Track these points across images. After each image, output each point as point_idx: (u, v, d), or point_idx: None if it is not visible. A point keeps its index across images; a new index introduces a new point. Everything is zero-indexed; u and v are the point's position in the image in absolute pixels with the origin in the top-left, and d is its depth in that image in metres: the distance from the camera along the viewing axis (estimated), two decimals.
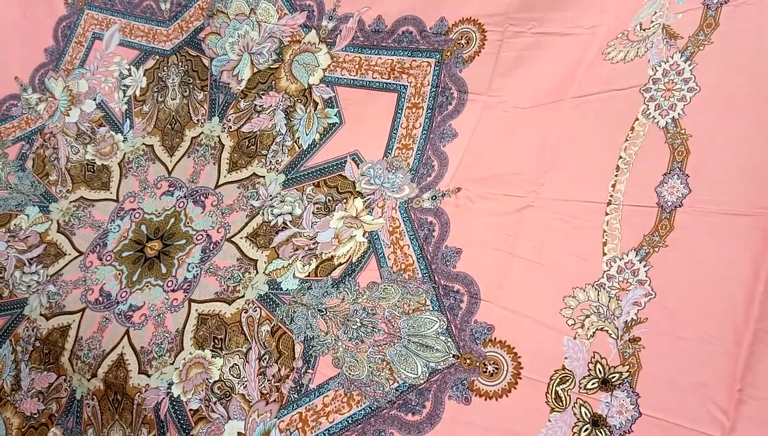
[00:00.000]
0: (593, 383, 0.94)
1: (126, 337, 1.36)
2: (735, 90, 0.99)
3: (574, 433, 0.92)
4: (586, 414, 0.93)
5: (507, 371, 1.01)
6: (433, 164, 1.28)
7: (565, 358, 0.98)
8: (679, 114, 1.03)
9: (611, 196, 1.05)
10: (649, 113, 1.06)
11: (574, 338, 0.98)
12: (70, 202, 1.62)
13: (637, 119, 1.08)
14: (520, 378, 1.00)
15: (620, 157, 1.07)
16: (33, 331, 1.46)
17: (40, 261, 1.55)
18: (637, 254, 0.99)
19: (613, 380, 0.93)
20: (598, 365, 0.95)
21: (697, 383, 0.86)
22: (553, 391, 0.96)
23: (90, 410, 1.33)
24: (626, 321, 0.95)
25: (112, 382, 1.32)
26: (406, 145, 1.33)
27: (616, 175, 1.06)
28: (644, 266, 0.97)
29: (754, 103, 0.97)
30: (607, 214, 1.04)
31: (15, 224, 1.61)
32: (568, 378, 0.96)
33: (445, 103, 1.33)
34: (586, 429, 0.92)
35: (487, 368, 1.03)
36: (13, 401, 1.42)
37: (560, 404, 0.95)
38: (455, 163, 1.26)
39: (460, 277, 1.13)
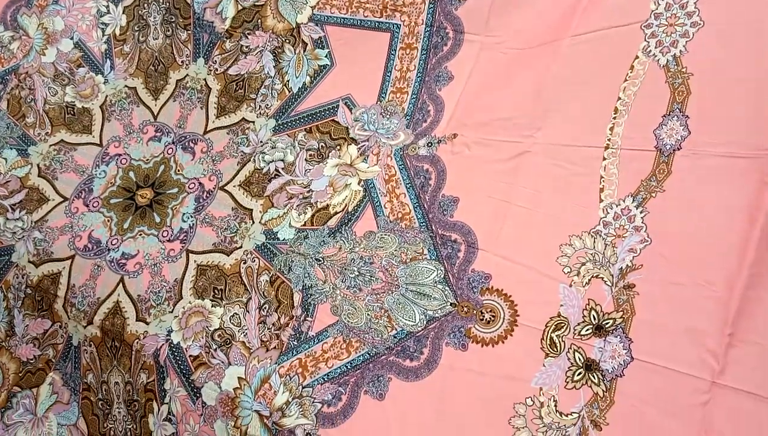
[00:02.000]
0: (587, 329, 0.97)
1: (121, 285, 1.36)
2: (740, 27, 0.97)
3: (568, 377, 0.96)
4: (579, 359, 0.96)
5: (503, 318, 1.03)
6: (429, 109, 1.26)
7: (561, 305, 1.00)
8: (680, 51, 1.01)
9: (609, 139, 1.05)
10: (650, 50, 1.04)
11: (570, 285, 1.00)
12: (50, 145, 1.57)
13: (637, 57, 1.06)
14: (516, 325, 1.02)
15: (619, 99, 1.06)
16: (23, 278, 1.45)
17: (23, 207, 1.52)
18: (633, 200, 1.00)
19: (606, 326, 0.96)
20: (593, 312, 0.98)
21: (690, 328, 0.89)
22: (548, 337, 0.99)
23: (88, 356, 1.34)
24: (621, 268, 0.97)
25: (109, 329, 1.32)
26: (400, 89, 1.30)
27: (614, 118, 1.05)
28: (641, 212, 0.98)
29: (760, 41, 0.95)
30: (604, 158, 1.04)
31: None
32: (562, 325, 0.99)
33: (440, 44, 1.29)
34: (579, 373, 0.95)
35: (483, 316, 1.05)
36: (8, 347, 1.43)
37: (554, 349, 0.98)
38: (451, 108, 1.24)
39: (457, 226, 1.14)
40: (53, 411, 1.34)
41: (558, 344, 0.98)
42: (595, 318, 0.97)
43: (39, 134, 1.58)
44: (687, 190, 0.96)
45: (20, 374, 1.40)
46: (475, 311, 1.06)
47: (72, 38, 1.62)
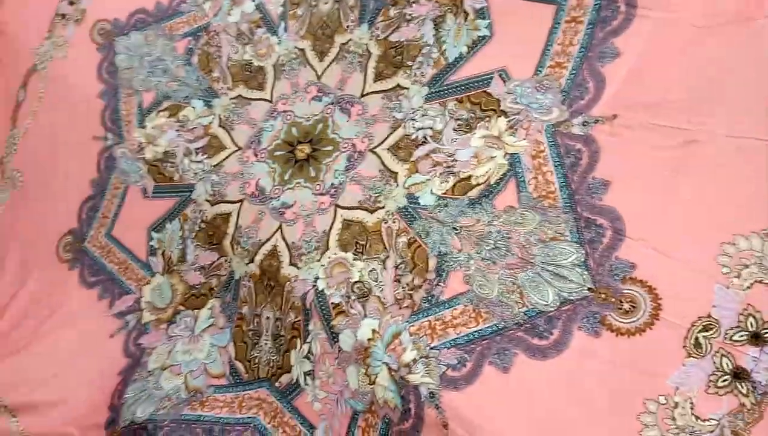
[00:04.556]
0: (741, 336, 0.89)
1: (279, 231, 1.49)
2: None
3: (711, 381, 0.90)
4: (727, 365, 0.89)
5: (644, 310, 0.99)
6: (588, 86, 1.20)
7: (713, 306, 0.93)
8: None
9: None
10: None
11: (727, 287, 0.93)
12: (230, 99, 1.73)
13: None
14: (658, 319, 0.97)
15: None
16: (199, 214, 1.63)
17: (205, 151, 1.69)
18: None
19: (765, 335, 0.87)
20: (751, 318, 0.90)
21: None
22: (693, 336, 0.93)
23: (246, 290, 1.50)
24: None
25: (266, 269, 1.46)
26: (559, 64, 1.25)
27: None
28: None
29: None
30: None
31: (183, 115, 1.75)
32: (712, 326, 0.92)
33: (609, 18, 1.21)
34: (725, 380, 0.89)
35: (622, 305, 1.01)
36: (179, 271, 1.62)
37: (699, 350, 0.92)
38: (614, 87, 1.17)
39: (605, 210, 1.09)
40: (208, 332, 1.51)
41: (704, 346, 0.92)
42: (752, 325, 0.89)
43: (221, 88, 1.75)
44: None
45: (186, 296, 1.59)
46: (613, 299, 1.02)
47: (254, 0, 1.76)
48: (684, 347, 0.93)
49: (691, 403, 0.89)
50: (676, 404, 0.90)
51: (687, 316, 0.95)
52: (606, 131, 1.15)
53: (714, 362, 0.90)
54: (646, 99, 1.13)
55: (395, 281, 1.26)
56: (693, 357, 0.92)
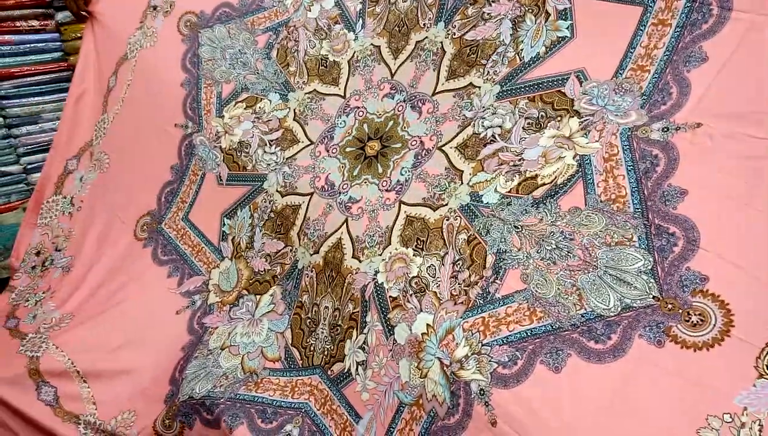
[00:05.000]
0: None
1: (345, 225, 1.52)
2: None
3: None
4: None
5: (714, 325, 0.93)
6: (671, 91, 1.14)
7: None
8: None
9: None
10: None
11: None
12: (305, 93, 1.77)
13: None
14: (728, 336, 0.91)
15: None
16: (269, 203, 1.69)
17: (278, 144, 1.75)
18: None
19: None
20: None
21: None
22: (767, 357, 0.86)
23: (308, 280, 1.54)
24: None
25: (330, 260, 1.50)
26: (641, 67, 1.20)
27: None
28: None
29: None
30: None
31: (259, 107, 1.81)
32: None
33: (699, 21, 1.15)
34: None
35: (690, 318, 0.95)
36: (246, 257, 1.69)
37: None
38: (699, 93, 1.11)
39: (679, 219, 1.03)
40: (267, 317, 1.57)
41: None
42: None
43: (297, 82, 1.80)
44: None
45: (250, 281, 1.66)
46: (681, 311, 0.96)
47: None
48: (756, 366, 0.87)
49: (760, 425, 0.83)
50: (743, 424, 0.84)
51: (761, 335, 0.88)
52: (687, 139, 1.09)
53: None
54: (732, 107, 1.06)
55: (452, 276, 1.25)
56: (765, 378, 0.85)
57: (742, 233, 0.98)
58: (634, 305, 1.01)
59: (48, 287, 1.91)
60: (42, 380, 1.59)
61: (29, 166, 2.50)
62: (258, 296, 1.62)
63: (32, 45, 2.39)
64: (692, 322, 0.95)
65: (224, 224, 1.76)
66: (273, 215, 1.67)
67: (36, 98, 2.45)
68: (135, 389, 1.57)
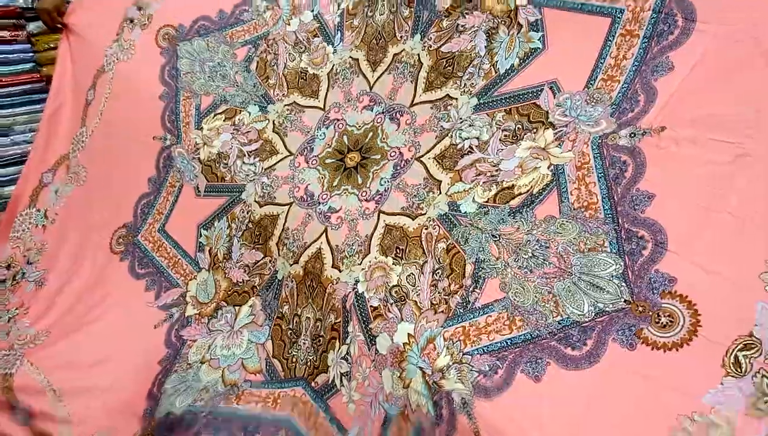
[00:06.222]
0: None
1: (324, 234, 1.53)
2: None
3: (750, 403, 0.86)
4: None
5: (683, 326, 0.96)
6: (639, 99, 1.19)
7: (755, 325, 0.90)
8: None
9: None
10: None
11: None
12: (285, 105, 1.78)
13: None
14: (696, 336, 0.94)
15: None
16: (247, 214, 1.68)
17: (257, 155, 1.75)
18: None
19: None
20: None
21: None
22: (733, 355, 0.90)
23: (288, 290, 1.54)
24: None
25: (310, 270, 1.50)
26: (611, 77, 1.24)
27: None
28: None
29: None
30: None
31: (239, 119, 1.82)
32: (753, 346, 0.89)
33: (665, 32, 1.20)
34: (766, 401, 0.85)
35: (660, 319, 0.99)
36: (223, 268, 1.67)
37: (738, 370, 0.89)
38: (664, 99, 1.15)
39: (647, 223, 1.07)
40: (247, 329, 1.55)
41: (744, 365, 0.88)
42: None
43: (277, 94, 1.81)
44: None
45: (229, 292, 1.65)
46: (651, 313, 1.00)
47: (312, 10, 1.82)
48: (722, 365, 0.90)
49: (729, 423, 0.86)
50: (712, 423, 0.87)
51: (727, 334, 0.92)
52: (653, 144, 1.13)
53: (754, 383, 0.87)
54: (695, 113, 1.11)
55: (432, 285, 1.27)
56: (732, 377, 0.89)
57: (707, 233, 1.01)
58: (608, 309, 1.04)
59: (21, 303, 1.88)
60: (15, 398, 1.56)
61: (1, 180, 2.46)
62: (237, 307, 1.61)
63: (3, 56, 2.34)
64: (662, 323, 0.98)
65: (201, 235, 1.75)
66: (251, 225, 1.67)
67: (7, 110, 2.41)
68: (112, 406, 1.54)
